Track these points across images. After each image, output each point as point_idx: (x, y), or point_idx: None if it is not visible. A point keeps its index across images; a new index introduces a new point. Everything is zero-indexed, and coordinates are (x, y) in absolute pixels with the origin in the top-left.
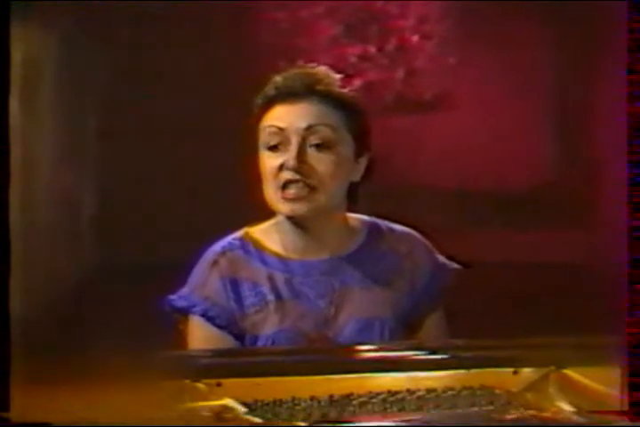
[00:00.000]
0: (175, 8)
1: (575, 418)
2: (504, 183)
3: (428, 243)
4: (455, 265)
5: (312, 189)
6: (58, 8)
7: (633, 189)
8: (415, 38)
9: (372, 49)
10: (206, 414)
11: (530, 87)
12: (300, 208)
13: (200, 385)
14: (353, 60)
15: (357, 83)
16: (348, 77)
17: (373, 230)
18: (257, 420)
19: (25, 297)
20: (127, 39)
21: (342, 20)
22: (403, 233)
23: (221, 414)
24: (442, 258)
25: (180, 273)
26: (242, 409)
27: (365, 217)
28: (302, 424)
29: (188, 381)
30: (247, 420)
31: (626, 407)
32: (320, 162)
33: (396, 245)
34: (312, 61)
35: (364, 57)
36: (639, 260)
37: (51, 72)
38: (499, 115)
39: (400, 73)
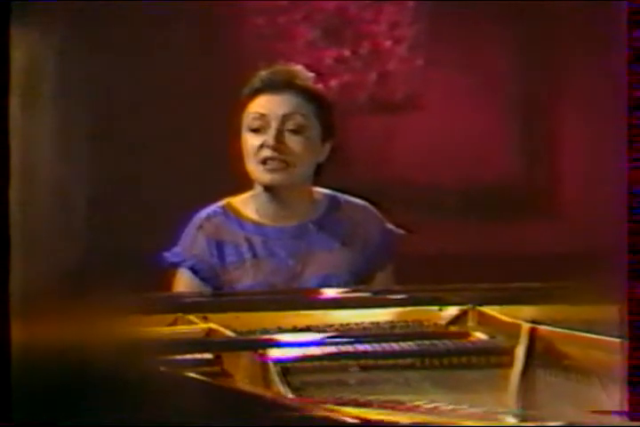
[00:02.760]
0: (169, 14)
1: (485, 340)
2: (471, 178)
3: (378, 213)
4: (400, 231)
5: (287, 164)
6: (58, 8)
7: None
8: (387, 42)
9: (347, 52)
10: (198, 333)
11: (495, 87)
12: (276, 178)
13: (190, 317)
14: (329, 62)
15: (333, 84)
16: (324, 78)
17: (333, 202)
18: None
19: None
20: (124, 41)
21: (319, 26)
22: (357, 204)
23: (210, 333)
24: (389, 225)
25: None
26: (225, 331)
27: (327, 191)
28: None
29: (180, 314)
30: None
31: (626, 407)
32: (294, 143)
33: (352, 214)
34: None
35: (339, 60)
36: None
37: (51, 72)
38: (466, 114)
39: (373, 75)
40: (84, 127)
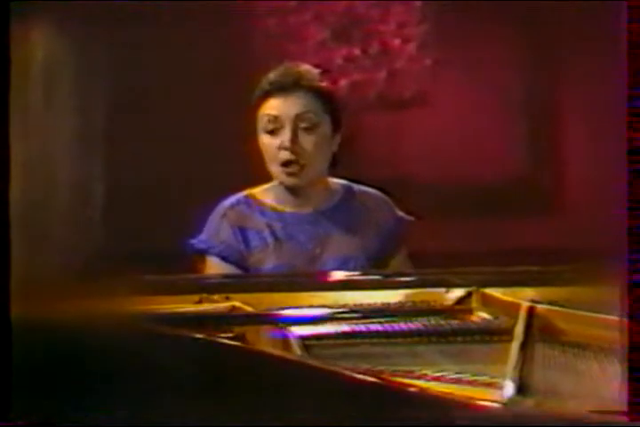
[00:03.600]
0: (178, 12)
1: (487, 319)
2: (478, 176)
3: (390, 201)
4: (411, 218)
5: (302, 166)
6: (59, 8)
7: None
8: (396, 41)
9: (357, 51)
10: (222, 310)
11: (502, 87)
12: (294, 181)
13: (214, 297)
14: (339, 61)
15: (343, 82)
16: (334, 77)
17: (348, 191)
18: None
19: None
20: (128, 39)
21: (329, 26)
22: (370, 193)
23: (233, 310)
24: (400, 212)
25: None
26: (248, 308)
27: (342, 181)
28: None
29: (205, 294)
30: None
31: (625, 407)
32: (308, 142)
33: (366, 202)
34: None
35: (349, 59)
36: None
37: (51, 72)
38: (473, 112)
39: (382, 73)
40: (95, 125)
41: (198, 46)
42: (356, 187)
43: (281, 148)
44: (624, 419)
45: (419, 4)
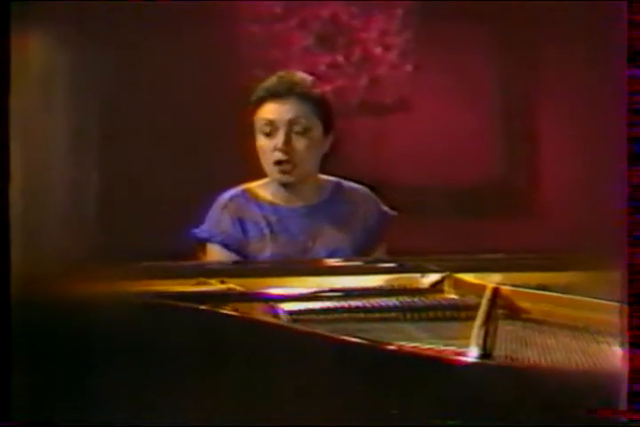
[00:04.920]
0: (170, 21)
1: (456, 298)
2: (456, 178)
3: (375, 196)
4: (394, 213)
5: (295, 165)
6: (58, 8)
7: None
8: (377, 49)
9: (340, 58)
10: (218, 290)
11: (479, 91)
12: (287, 178)
13: (211, 280)
14: (323, 68)
15: (327, 88)
16: (318, 83)
17: (337, 187)
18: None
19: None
20: (126, 40)
21: (313, 33)
22: (358, 189)
23: (228, 290)
24: (385, 207)
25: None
26: (241, 289)
27: (331, 177)
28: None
29: (202, 278)
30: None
31: (625, 407)
32: (300, 144)
33: (353, 198)
34: (287, 70)
35: (332, 65)
36: None
37: (51, 72)
38: (451, 117)
39: (364, 80)
40: (92, 126)
41: (188, 50)
42: (345, 183)
43: (275, 149)
44: (624, 418)
45: (399, 12)
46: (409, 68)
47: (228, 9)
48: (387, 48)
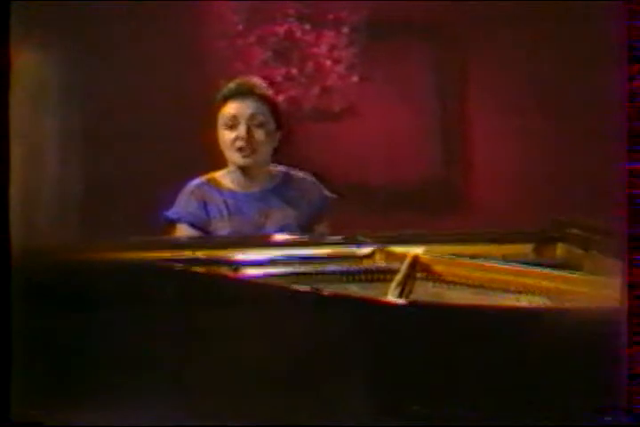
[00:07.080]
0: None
1: (383, 264)
2: (398, 178)
3: (319, 183)
4: (334, 195)
5: (253, 151)
6: (59, 8)
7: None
8: (327, 62)
9: (294, 71)
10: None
11: (417, 98)
12: (248, 161)
13: (184, 252)
14: (279, 79)
15: (282, 97)
16: (274, 92)
17: (286, 175)
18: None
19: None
20: (124, 40)
21: (270, 48)
22: (304, 177)
23: (198, 257)
24: (326, 191)
25: None
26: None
27: (281, 167)
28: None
29: (176, 250)
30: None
31: (625, 405)
32: (258, 135)
33: (300, 184)
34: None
35: (287, 77)
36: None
37: (51, 72)
38: (394, 123)
39: (316, 89)
40: (81, 125)
41: (163, 62)
42: (293, 172)
43: (237, 138)
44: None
45: (346, 29)
46: (355, 78)
47: (198, 26)
48: (336, 61)
